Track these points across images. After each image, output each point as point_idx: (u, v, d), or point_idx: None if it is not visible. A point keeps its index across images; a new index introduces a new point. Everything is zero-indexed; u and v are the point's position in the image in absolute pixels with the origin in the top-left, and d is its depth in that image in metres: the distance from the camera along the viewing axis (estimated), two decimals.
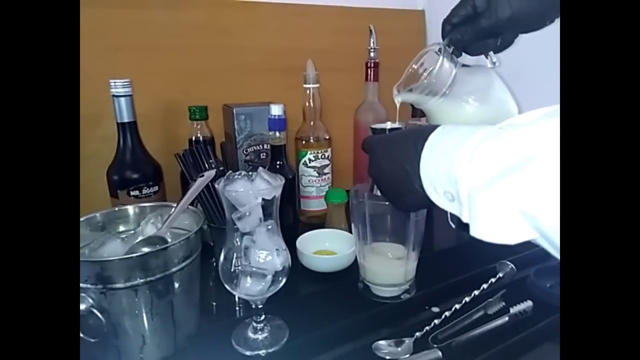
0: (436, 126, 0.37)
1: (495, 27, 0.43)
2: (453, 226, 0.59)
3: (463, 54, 0.48)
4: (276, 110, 0.67)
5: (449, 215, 0.56)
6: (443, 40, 0.47)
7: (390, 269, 0.58)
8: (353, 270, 0.62)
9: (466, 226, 0.33)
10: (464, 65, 0.48)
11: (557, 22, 0.44)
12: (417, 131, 0.39)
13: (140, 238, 0.50)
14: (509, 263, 0.61)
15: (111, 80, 0.62)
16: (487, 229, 0.30)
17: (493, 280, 0.58)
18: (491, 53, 0.48)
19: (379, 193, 0.46)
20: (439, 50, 0.47)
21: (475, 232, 0.31)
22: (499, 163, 0.29)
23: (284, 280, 0.48)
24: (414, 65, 0.50)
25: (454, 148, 0.33)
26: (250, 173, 0.48)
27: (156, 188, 0.67)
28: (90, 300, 0.42)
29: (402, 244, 0.57)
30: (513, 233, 0.28)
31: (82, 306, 0.41)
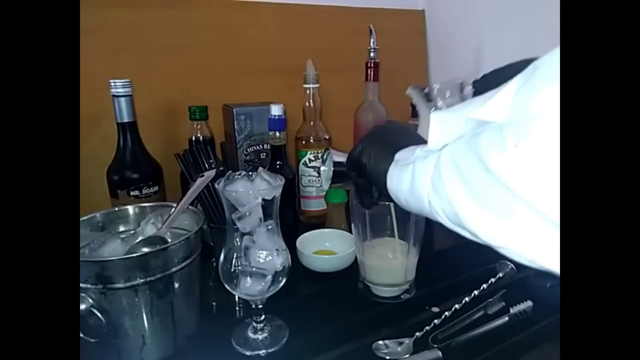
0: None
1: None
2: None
3: None
4: (276, 110, 0.67)
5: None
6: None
7: (391, 268, 0.58)
8: (353, 270, 0.62)
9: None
10: None
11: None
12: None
13: (140, 238, 0.50)
14: (509, 263, 0.61)
15: (111, 80, 0.62)
16: None
17: (493, 280, 0.58)
18: None
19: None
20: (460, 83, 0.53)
21: None
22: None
23: (284, 280, 0.48)
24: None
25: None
26: (250, 173, 0.48)
27: (156, 188, 0.67)
28: (90, 300, 0.42)
29: None
30: None
31: (82, 306, 0.41)
